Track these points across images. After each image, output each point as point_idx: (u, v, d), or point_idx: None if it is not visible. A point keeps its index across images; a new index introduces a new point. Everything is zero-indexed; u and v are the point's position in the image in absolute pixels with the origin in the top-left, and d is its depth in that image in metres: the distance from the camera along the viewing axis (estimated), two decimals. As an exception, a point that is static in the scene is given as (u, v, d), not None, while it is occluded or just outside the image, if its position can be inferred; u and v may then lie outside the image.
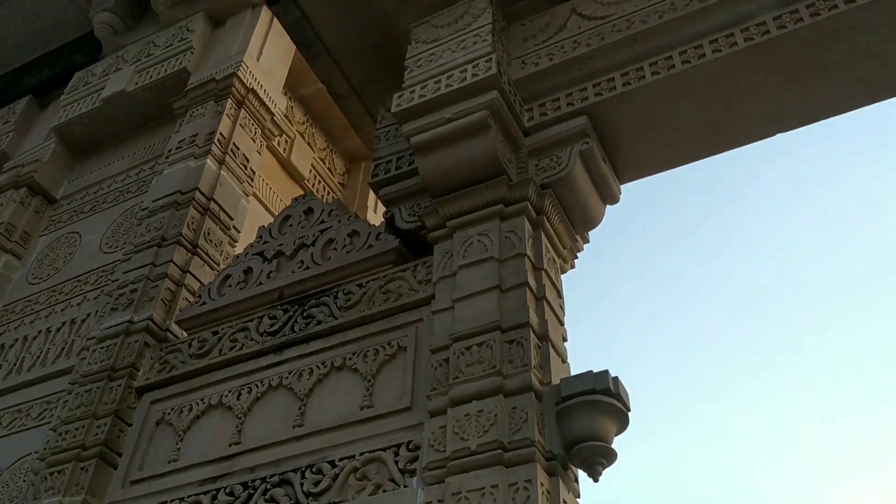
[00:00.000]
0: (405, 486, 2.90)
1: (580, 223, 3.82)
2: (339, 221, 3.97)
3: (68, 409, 3.93)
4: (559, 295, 3.51)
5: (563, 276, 3.75)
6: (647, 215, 11.77)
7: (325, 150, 6.61)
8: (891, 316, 9.94)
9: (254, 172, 5.22)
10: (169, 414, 3.72)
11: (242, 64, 5.34)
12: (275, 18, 5.61)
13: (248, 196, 5.15)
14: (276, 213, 5.44)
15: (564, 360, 3.26)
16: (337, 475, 3.06)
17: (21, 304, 5.08)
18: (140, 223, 4.74)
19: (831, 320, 10.64)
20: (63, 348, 4.55)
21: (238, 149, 5.11)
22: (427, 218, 3.62)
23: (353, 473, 3.05)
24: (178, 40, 5.76)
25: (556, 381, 3.00)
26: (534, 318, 3.14)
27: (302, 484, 3.10)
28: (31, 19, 6.67)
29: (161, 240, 4.46)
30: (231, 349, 3.75)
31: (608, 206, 3.91)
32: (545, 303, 3.28)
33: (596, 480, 2.84)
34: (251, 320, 3.81)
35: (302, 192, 6.01)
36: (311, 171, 6.25)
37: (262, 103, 5.42)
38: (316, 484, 3.07)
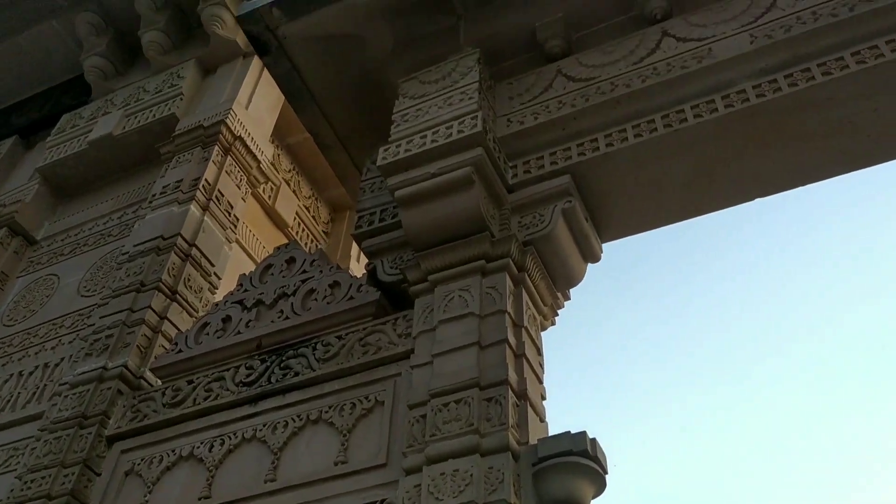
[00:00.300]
0: (377, 546, 2.84)
1: (561, 280, 3.83)
2: (321, 272, 3.95)
3: (35, 457, 3.84)
4: (539, 352, 3.50)
5: (543, 333, 3.75)
6: (628, 273, 11.84)
7: (310, 198, 6.63)
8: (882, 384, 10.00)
9: (237, 219, 5.22)
10: (139, 464, 3.63)
11: (231, 111, 5.38)
12: (265, 68, 5.67)
13: (230, 243, 5.14)
14: (259, 260, 5.42)
15: (542, 420, 3.24)
16: (308, 533, 2.99)
17: (-6, 345, 5.01)
18: (120, 268, 4.71)
19: (813, 379, 10.67)
20: (35, 393, 4.47)
21: (223, 195, 5.11)
22: (409, 271, 3.62)
23: (324, 531, 2.98)
24: (168, 86, 5.80)
25: (533, 440, 2.97)
26: (513, 376, 3.12)
27: (272, 541, 3.03)
28: (21, 60, 6.71)
29: (140, 285, 4.42)
30: (205, 399, 3.69)
31: (589, 264, 3.94)
32: (524, 360, 3.27)
33: (572, 544, 2.80)
34: (227, 370, 3.76)
35: (285, 240, 6.01)
36: (295, 218, 6.26)
37: (249, 151, 5.45)
38: (286, 541, 2.99)
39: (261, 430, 3.44)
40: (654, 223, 3.97)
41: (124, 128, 5.68)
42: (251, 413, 3.54)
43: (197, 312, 4.58)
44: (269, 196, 5.95)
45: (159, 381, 4.03)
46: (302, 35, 4.25)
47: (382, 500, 2.96)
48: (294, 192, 6.36)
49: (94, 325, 4.43)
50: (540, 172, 3.76)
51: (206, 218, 4.90)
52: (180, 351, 3.96)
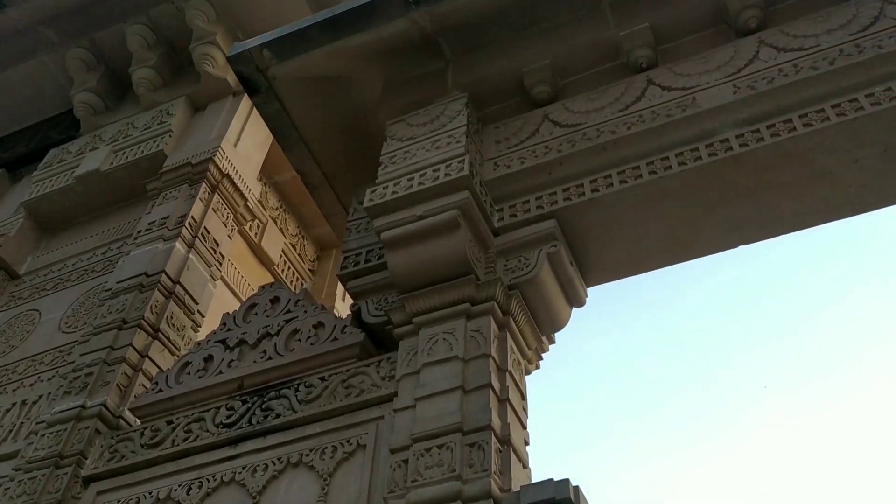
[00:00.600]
0: None
1: (546, 324, 3.83)
2: (306, 312, 3.94)
3: (9, 497, 3.76)
4: (522, 397, 3.49)
5: (527, 378, 3.74)
6: (613, 317, 11.86)
7: (296, 235, 6.63)
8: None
9: (223, 257, 5.20)
10: (115, 506, 3.57)
11: (220, 149, 5.40)
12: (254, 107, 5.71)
13: (215, 280, 5.11)
14: (244, 298, 5.40)
15: (525, 466, 3.21)
16: (285, 580, 2.93)
17: (-29, 382, 4.92)
18: (102, 304, 4.66)
19: (807, 425, 10.65)
20: (11, 431, 4.39)
21: (209, 233, 5.10)
22: (393, 313, 3.61)
23: (302, 579, 2.92)
24: (158, 123, 5.82)
25: (516, 487, 2.94)
26: (496, 421, 3.10)
27: (248, 589, 2.96)
28: (12, 94, 6.72)
29: (122, 322, 4.38)
30: (185, 440, 3.64)
31: (574, 308, 3.94)
32: (508, 405, 3.25)
33: None
34: (208, 410, 3.71)
35: (271, 278, 6.01)
36: (281, 256, 6.25)
37: (237, 188, 5.46)
38: (263, 589, 2.93)
39: (240, 473, 3.39)
40: (639, 269, 3.99)
41: (112, 163, 5.68)
42: (231, 455, 3.49)
43: (179, 351, 4.54)
44: (256, 233, 5.95)
45: (138, 421, 3.98)
46: (291, 76, 4.29)
47: (362, 548, 2.92)
48: (281, 229, 6.36)
49: (73, 362, 4.37)
50: (526, 216, 3.78)
51: (191, 255, 4.89)
52: (160, 390, 3.92)
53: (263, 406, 3.59)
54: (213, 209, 5.21)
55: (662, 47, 4.07)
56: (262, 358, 3.79)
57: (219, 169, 5.34)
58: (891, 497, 8.50)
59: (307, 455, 3.33)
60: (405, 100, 4.30)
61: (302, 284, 6.53)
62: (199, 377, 3.88)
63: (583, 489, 2.89)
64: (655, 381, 11.35)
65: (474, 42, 4.27)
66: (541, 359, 3.96)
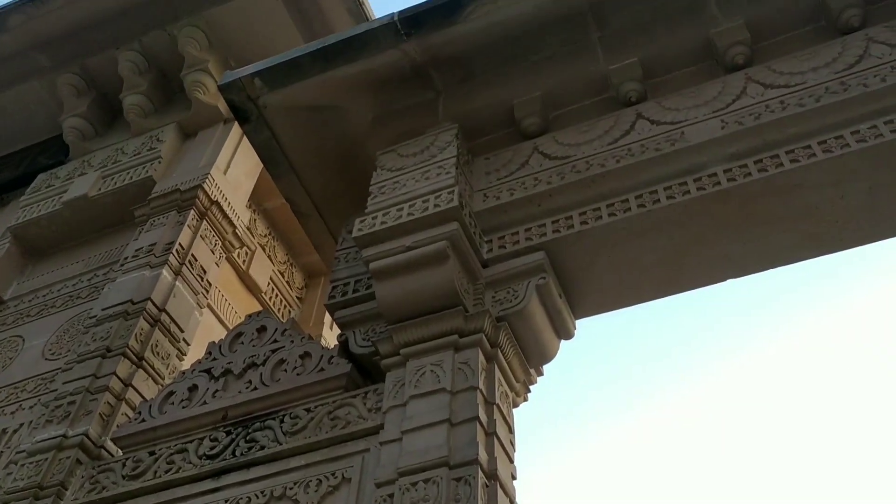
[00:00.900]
0: None
1: (534, 357, 3.81)
2: (292, 342, 3.91)
3: (-15, 529, 3.69)
4: (510, 430, 3.46)
5: (515, 410, 3.71)
6: (601, 350, 11.85)
7: (285, 263, 6.60)
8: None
9: (210, 284, 5.17)
10: (93, 539, 3.50)
11: (209, 176, 5.39)
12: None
13: (202, 308, 5.07)
14: (230, 326, 5.37)
15: (513, 501, 3.17)
16: None
17: (-48, 409, 4.84)
18: (86, 331, 4.61)
19: (792, 459, 10.62)
20: (-10, 460, 4.31)
21: (196, 260, 5.08)
22: (381, 344, 3.58)
23: None
24: (147, 149, 5.81)
25: (503, 523, 2.91)
26: (483, 455, 3.06)
27: None
28: (1, 119, 6.70)
29: (106, 350, 4.33)
30: (167, 472, 3.58)
31: (563, 340, 3.93)
32: (495, 439, 3.22)
33: None
34: (191, 441, 3.66)
35: (258, 305, 5.97)
36: (269, 283, 6.22)
37: (225, 216, 5.44)
38: None
39: (222, 507, 3.34)
40: (628, 301, 3.98)
41: (100, 189, 5.66)
42: (213, 488, 3.44)
43: (163, 379, 4.49)
44: (244, 261, 5.92)
45: (120, 451, 3.91)
46: (282, 105, 4.30)
47: (345, 585, 2.86)
48: (269, 256, 6.33)
49: (56, 390, 4.32)
50: (515, 248, 3.78)
51: (177, 283, 4.85)
52: (143, 420, 3.86)
53: (248, 437, 3.54)
54: (201, 236, 5.18)
55: (651, 81, 4.10)
56: (247, 388, 3.75)
57: (208, 196, 5.33)
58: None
59: (291, 488, 3.28)
60: (396, 130, 4.31)
61: (290, 312, 6.50)
62: (183, 407, 3.83)
63: (570, 526, 2.86)
64: (646, 414, 11.30)
65: (465, 73, 4.29)
66: (529, 391, 3.93)
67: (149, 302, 4.62)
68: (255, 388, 3.73)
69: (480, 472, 3.00)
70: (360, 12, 6.08)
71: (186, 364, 4.71)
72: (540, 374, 3.99)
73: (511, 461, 3.34)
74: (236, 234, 5.56)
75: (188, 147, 5.88)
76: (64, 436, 3.95)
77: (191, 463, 3.57)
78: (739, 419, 11.02)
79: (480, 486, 2.95)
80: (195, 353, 4.78)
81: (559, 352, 3.91)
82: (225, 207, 5.45)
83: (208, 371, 3.94)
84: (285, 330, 3.97)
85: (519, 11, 4.06)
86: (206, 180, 5.34)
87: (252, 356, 3.89)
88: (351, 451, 3.33)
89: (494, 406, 3.33)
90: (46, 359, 4.85)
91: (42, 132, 6.71)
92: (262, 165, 5.70)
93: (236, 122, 5.78)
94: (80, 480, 3.78)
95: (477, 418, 3.17)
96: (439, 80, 4.31)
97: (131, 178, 5.62)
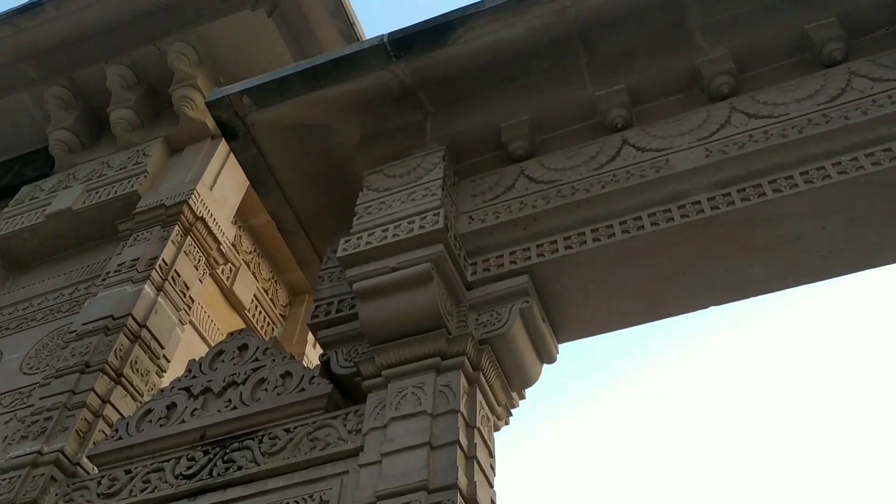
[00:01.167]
0: None
1: (517, 381, 3.80)
2: (274, 361, 3.88)
3: (-45, 547, 3.62)
4: (490, 454, 3.44)
5: (496, 434, 3.70)
6: (584, 373, 11.86)
7: (269, 280, 6.58)
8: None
9: (192, 300, 5.14)
10: (65, 559, 3.44)
11: (195, 192, 5.37)
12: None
13: (183, 324, 5.04)
14: (212, 343, 5.33)
15: (492, 526, 3.15)
16: None
17: (-74, 423, 4.77)
18: (66, 346, 4.56)
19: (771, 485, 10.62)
20: (-37, 476, 4.24)
21: (179, 276, 5.05)
22: (363, 365, 3.57)
23: None
24: (133, 163, 5.79)
25: (481, 549, 2.89)
26: (462, 480, 3.05)
27: None
28: (-12, 130, 6.67)
29: (85, 366, 4.29)
30: (142, 491, 3.54)
31: (545, 364, 3.92)
32: (475, 463, 3.20)
33: None
34: (168, 460, 3.62)
35: (241, 322, 5.94)
36: (253, 300, 6.19)
37: (210, 232, 5.42)
38: None
39: (198, 527, 3.29)
40: (610, 326, 3.99)
41: (84, 202, 5.63)
42: (190, 508, 3.39)
43: (142, 397, 4.44)
44: (228, 277, 5.89)
45: (96, 469, 3.86)
46: (270, 123, 4.30)
47: None
48: (254, 273, 6.31)
49: (33, 405, 4.26)
50: (499, 271, 3.78)
51: (160, 298, 4.82)
52: (120, 438, 3.81)
53: (225, 458, 3.51)
54: (184, 252, 5.15)
55: (637, 108, 4.13)
56: (226, 407, 3.72)
57: (193, 212, 5.31)
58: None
59: (269, 510, 3.25)
60: (383, 150, 4.32)
61: (273, 330, 6.46)
62: (161, 425, 3.79)
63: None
64: (629, 438, 11.29)
65: (454, 95, 4.31)
66: (510, 415, 3.92)
67: (129, 317, 4.58)
68: (235, 408, 3.70)
69: (460, 496, 2.98)
70: (351, 33, 6.12)
71: (166, 381, 4.67)
72: (522, 397, 3.98)
73: (491, 486, 3.32)
74: (221, 250, 5.54)
75: (174, 162, 5.87)
76: (39, 452, 3.90)
77: (167, 482, 3.52)
78: (724, 437, 11.03)
79: (459, 511, 2.93)
80: (176, 370, 4.74)
81: (541, 375, 3.91)
82: (210, 223, 5.43)
83: (187, 389, 3.91)
84: (267, 349, 3.95)
85: (508, 36, 4.09)
86: (192, 196, 5.32)
87: (232, 375, 3.86)
88: (330, 473, 3.29)
89: (475, 430, 3.31)
90: (24, 373, 4.79)
91: (27, 144, 6.67)
92: (248, 182, 5.71)
93: (224, 139, 5.80)
94: (53, 498, 3.73)
95: (457, 442, 3.15)
96: (428, 102, 4.33)
97: (116, 192, 5.59)
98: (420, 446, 3.14)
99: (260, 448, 3.48)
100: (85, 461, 3.94)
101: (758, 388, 11.08)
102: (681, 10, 4.01)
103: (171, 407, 3.85)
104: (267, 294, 6.43)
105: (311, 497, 3.22)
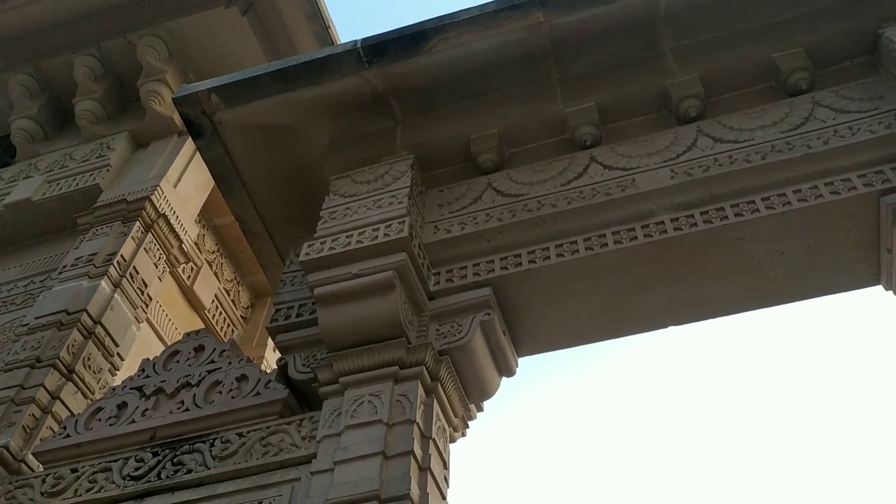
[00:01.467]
0: None
1: (475, 392, 3.79)
2: (230, 363, 3.82)
3: None
4: (445, 466, 3.42)
5: (452, 445, 3.68)
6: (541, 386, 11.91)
7: (231, 281, 6.50)
8: None
9: (150, 298, 5.05)
10: (3, 559, 3.34)
11: (158, 188, 5.29)
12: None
13: (140, 322, 4.95)
14: (169, 343, 5.24)
15: (443, 538, 3.13)
16: None
17: None
18: (17, 340, 4.46)
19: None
20: None
21: (137, 273, 4.96)
22: (320, 371, 3.53)
23: None
24: (97, 156, 5.69)
25: (430, 561, 2.86)
26: (415, 491, 3.02)
27: None
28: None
29: (35, 361, 4.19)
30: (88, 490, 3.45)
31: (504, 377, 3.92)
32: (429, 474, 3.18)
33: None
34: (116, 461, 3.54)
35: (200, 323, 5.86)
36: (213, 301, 6.11)
37: (172, 230, 5.34)
38: None
39: (142, 531, 3.22)
40: (571, 342, 4.01)
41: (44, 193, 5.52)
42: (135, 510, 3.32)
43: (93, 394, 4.35)
44: (189, 276, 5.81)
45: (42, 467, 3.76)
46: (238, 122, 4.25)
47: None
48: (216, 273, 6.23)
49: (-22, 399, 4.15)
50: (462, 282, 3.78)
51: (116, 295, 4.73)
52: (68, 435, 3.72)
53: (175, 460, 3.44)
54: (144, 249, 5.07)
55: (607, 127, 4.17)
56: (178, 409, 3.65)
57: (155, 208, 5.23)
58: None
59: (216, 515, 3.19)
60: (352, 156, 4.30)
61: (233, 332, 6.38)
62: (111, 424, 3.70)
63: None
64: (584, 457, 11.34)
65: (425, 105, 4.31)
66: (467, 427, 3.91)
67: (84, 313, 4.49)
68: (187, 410, 3.63)
69: (411, 507, 2.95)
70: (325, 36, 6.09)
71: (119, 379, 4.57)
72: (480, 409, 3.97)
73: (444, 497, 3.31)
74: (182, 248, 5.46)
75: (139, 157, 5.78)
76: (-18, 447, 3.79)
77: (114, 483, 3.45)
78: (687, 448, 11.15)
79: (410, 523, 2.91)
80: (130, 368, 4.65)
81: (500, 388, 3.90)
82: (172, 221, 5.35)
83: (140, 389, 3.83)
84: (224, 350, 3.89)
85: (483, 48, 4.10)
86: (155, 192, 5.24)
87: (187, 376, 3.80)
88: (281, 480, 3.25)
89: (431, 441, 3.30)
90: (-28, 366, 4.66)
91: (-11, 132, 6.53)
92: (214, 181, 5.64)
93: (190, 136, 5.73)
94: (-5, 495, 3.62)
95: (412, 452, 3.13)
96: (399, 110, 4.32)
97: (78, 184, 5.49)
98: (374, 455, 3.11)
99: (211, 452, 3.42)
100: (30, 458, 3.85)
101: (717, 402, 11.22)
102: (654, 32, 4.06)
103: (122, 406, 3.77)
104: (228, 295, 6.35)
105: (260, 503, 3.17)
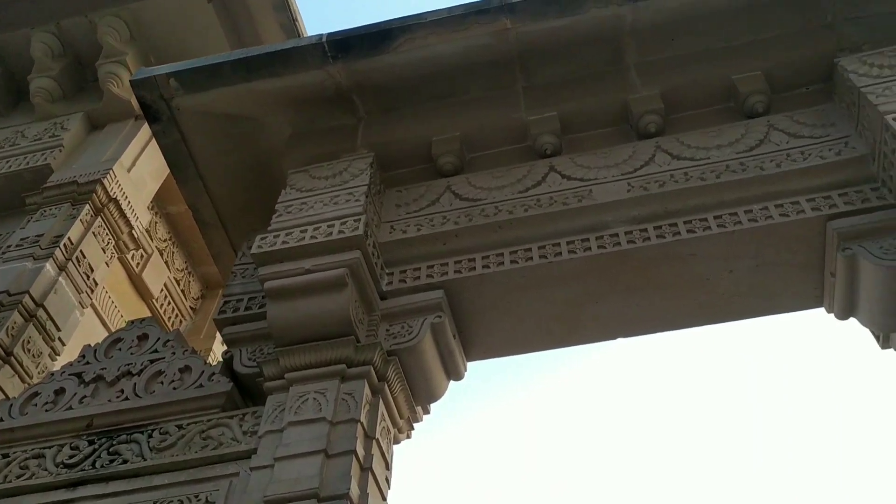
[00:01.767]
0: None
1: (422, 395, 3.77)
2: (174, 354, 3.74)
3: None
4: (387, 467, 3.40)
5: (397, 447, 3.66)
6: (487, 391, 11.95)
7: (182, 270, 6.39)
8: None
9: (96, 284, 4.93)
10: (-76, 545, 3.22)
11: (111, 172, 5.18)
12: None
13: (84, 308, 4.83)
14: (113, 329, 5.13)
15: (381, 539, 3.11)
16: None
17: None
18: (-46, 319, 4.32)
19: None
20: None
21: (84, 257, 4.84)
22: (266, 366, 3.48)
23: None
24: (50, 136, 5.55)
25: (367, 562, 2.84)
26: (354, 490, 3.00)
27: None
28: None
29: (-29, 342, 4.07)
30: (18, 477, 3.35)
31: (452, 381, 3.91)
32: (370, 474, 3.16)
33: None
34: (50, 447, 3.44)
35: (148, 311, 5.74)
36: (162, 290, 6.00)
37: (123, 215, 5.23)
38: None
39: (73, 520, 3.14)
40: (521, 349, 4.02)
41: (-8, 171, 5.36)
42: (66, 499, 3.22)
43: (31, 379, 4.23)
44: (138, 264, 5.69)
45: (-29, 451, 3.64)
46: (197, 109, 4.19)
47: None
48: (166, 262, 6.11)
49: None
50: (415, 283, 3.76)
51: (61, 278, 4.61)
52: (1, 420, 3.61)
53: (111, 449, 3.36)
54: (93, 233, 4.95)
55: (568, 137, 4.19)
56: (118, 397, 3.56)
57: (106, 192, 5.11)
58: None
59: (150, 507, 3.12)
60: (311, 151, 4.26)
61: (181, 322, 6.28)
62: (47, 410, 3.60)
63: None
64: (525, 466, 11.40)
65: (388, 104, 4.29)
66: (412, 429, 3.89)
67: (26, 295, 4.37)
68: (127, 399, 3.55)
69: (350, 507, 2.92)
70: (293, 28, 6.03)
71: (59, 365, 4.46)
72: (426, 412, 3.96)
73: (384, 498, 3.28)
74: (132, 235, 5.35)
75: (93, 139, 5.65)
76: None
77: (46, 470, 3.35)
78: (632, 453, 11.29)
79: (348, 522, 2.88)
80: (71, 353, 4.53)
81: (447, 392, 3.89)
82: (124, 206, 5.24)
83: (79, 375, 3.73)
84: (168, 341, 3.81)
85: (449, 51, 4.10)
86: (107, 176, 5.13)
87: (128, 364, 3.71)
88: (219, 474, 3.19)
89: (374, 441, 3.27)
90: None
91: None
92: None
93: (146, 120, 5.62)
94: (-81, 479, 3.49)
95: (354, 452, 3.10)
96: (362, 107, 4.30)
97: (28, 163, 5.35)
98: (315, 453, 3.08)
99: (149, 442, 3.34)
100: (-41, 442, 3.71)
101: (665, 410, 11.40)
102: (619, 46, 4.10)
103: (60, 392, 3.67)
104: (178, 285, 6.24)
105: (196, 497, 3.11)
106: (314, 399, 3.30)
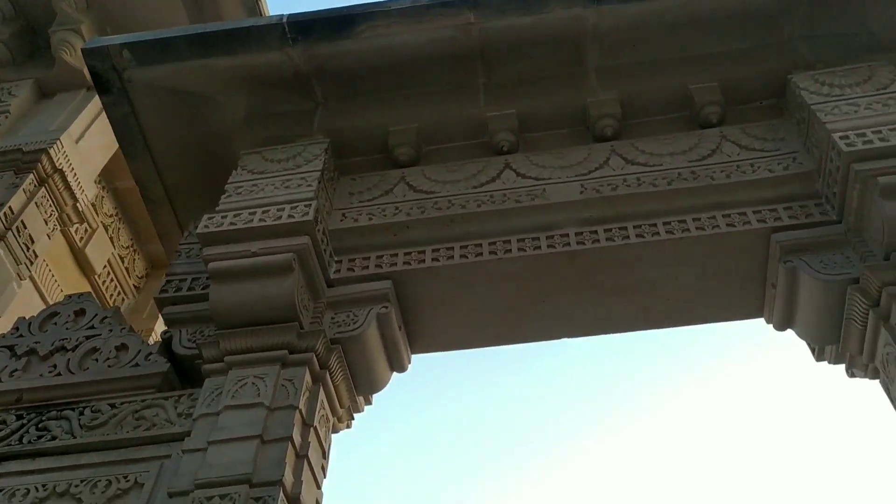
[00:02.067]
0: None
1: (364, 385, 3.75)
2: (111, 331, 3.65)
3: None
4: (324, 455, 3.37)
5: (336, 436, 3.63)
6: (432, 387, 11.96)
7: (128, 248, 6.25)
8: None
9: (36, 255, 4.79)
10: None
11: (58, 142, 5.04)
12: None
13: (22, 279, 4.69)
14: (52, 303, 4.98)
15: (313, 528, 3.08)
16: None
17: None
18: None
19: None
20: None
21: (25, 228, 4.71)
22: (205, 348, 3.42)
23: None
24: (-4, 101, 5.39)
25: (298, 550, 2.81)
26: (288, 477, 2.96)
27: None
28: None
29: None
30: (-61, 450, 3.23)
31: (395, 373, 3.89)
32: (306, 462, 3.12)
33: None
34: (-25, 421, 3.33)
35: (89, 287, 5.60)
36: (105, 267, 5.85)
37: (68, 186, 5.09)
38: None
39: (-5, 496, 3.04)
40: (466, 344, 4.02)
41: (-68, 134, 5.17)
42: (-10, 474, 3.13)
43: (-40, 350, 4.07)
44: (81, 238, 5.55)
45: None
46: (150, 83, 4.09)
47: None
48: (111, 238, 5.97)
49: None
50: (363, 273, 3.73)
51: (-1, 248, 4.47)
52: (-75, 390, 3.48)
53: (40, 425, 3.27)
54: (35, 203, 4.82)
55: (525, 135, 4.20)
56: (50, 372, 3.47)
57: (52, 162, 4.97)
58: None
59: (77, 486, 3.04)
60: (266, 133, 4.20)
61: (123, 300, 6.14)
62: (-26, 383, 3.49)
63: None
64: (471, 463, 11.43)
65: (347, 91, 4.25)
66: (352, 419, 3.86)
67: (-40, 263, 4.22)
68: (59, 374, 3.46)
69: (282, 494, 2.89)
70: (255, 8, 5.95)
71: (-8, 337, 4.32)
72: (368, 402, 3.93)
73: (319, 486, 3.25)
74: (77, 207, 5.21)
75: (42, 107, 5.50)
76: None
77: (-31, 444, 3.24)
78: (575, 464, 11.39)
79: (279, 509, 2.84)
80: (5, 326, 4.39)
81: (390, 383, 3.87)
82: (69, 178, 5.10)
83: (11, 348, 3.62)
84: (106, 317, 3.72)
85: (411, 42, 4.07)
86: (54, 146, 4.99)
87: (63, 339, 3.61)
88: (151, 456, 3.13)
89: (312, 428, 3.23)
90: None
91: None
92: (119, 142, 5.40)
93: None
94: None
95: (290, 438, 3.06)
96: (320, 92, 4.25)
97: (-30, 128, 5.17)
98: (251, 438, 3.03)
99: (80, 420, 3.26)
100: None
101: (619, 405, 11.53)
102: (581, 49, 4.12)
103: (-11, 365, 3.56)
104: (123, 262, 6.10)
105: (125, 478, 3.04)
106: (253, 384, 3.25)
